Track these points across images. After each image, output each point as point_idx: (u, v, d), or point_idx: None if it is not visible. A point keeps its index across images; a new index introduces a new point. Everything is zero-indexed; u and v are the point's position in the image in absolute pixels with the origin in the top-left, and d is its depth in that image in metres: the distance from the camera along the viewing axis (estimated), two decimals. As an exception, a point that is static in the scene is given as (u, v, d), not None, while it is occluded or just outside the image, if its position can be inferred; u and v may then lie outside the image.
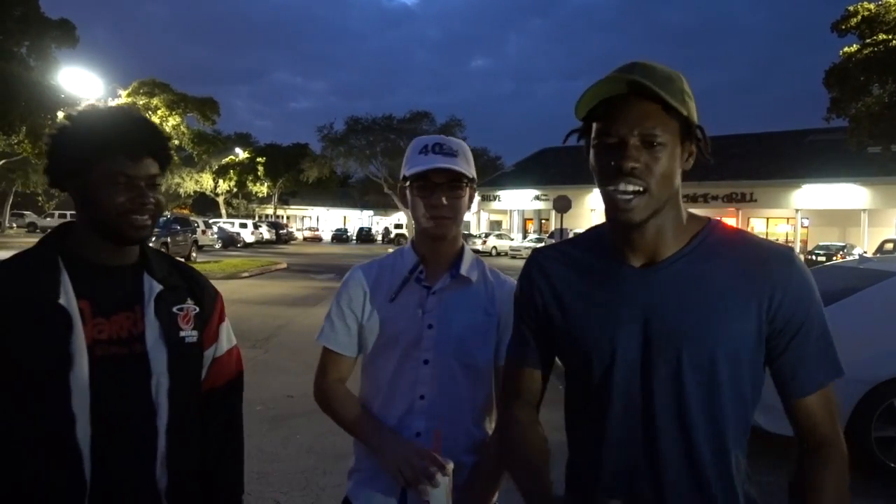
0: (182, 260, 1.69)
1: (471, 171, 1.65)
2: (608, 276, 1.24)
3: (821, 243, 33.59)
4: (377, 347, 1.68)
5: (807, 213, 39.28)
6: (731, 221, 39.89)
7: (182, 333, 1.46)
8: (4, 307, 1.30)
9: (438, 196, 1.60)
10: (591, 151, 1.19)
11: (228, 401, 1.65)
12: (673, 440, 1.20)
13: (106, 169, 1.34)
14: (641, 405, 1.21)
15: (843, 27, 24.95)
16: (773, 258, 1.20)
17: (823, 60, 26.60)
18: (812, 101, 34.32)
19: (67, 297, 1.33)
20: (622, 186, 1.12)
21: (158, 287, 1.44)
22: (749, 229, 43.45)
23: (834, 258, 28.15)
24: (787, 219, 40.92)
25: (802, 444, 1.24)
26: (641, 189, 1.12)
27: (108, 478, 1.33)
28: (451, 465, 1.46)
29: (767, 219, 42.65)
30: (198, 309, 1.52)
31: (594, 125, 1.18)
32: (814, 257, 30.74)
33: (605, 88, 1.12)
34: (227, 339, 1.63)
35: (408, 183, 1.64)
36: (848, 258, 24.57)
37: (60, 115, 24.78)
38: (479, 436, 1.70)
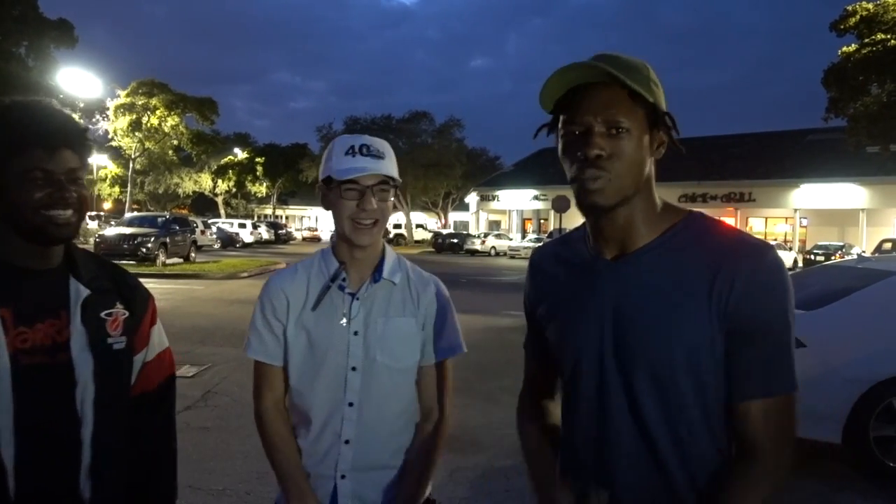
0: (115, 262, 1.62)
1: (396, 173, 1.60)
2: (584, 269, 1.25)
3: (819, 243, 33.61)
4: (303, 355, 1.64)
5: (805, 213, 39.31)
6: (729, 221, 39.79)
7: (110, 340, 1.41)
8: None
9: (369, 199, 1.55)
10: (560, 142, 1.19)
11: (161, 405, 1.59)
12: (630, 440, 1.19)
13: (20, 164, 1.26)
14: (597, 403, 1.22)
15: (842, 27, 24.99)
16: (743, 250, 1.14)
17: (822, 60, 26.65)
18: (811, 101, 34.41)
19: None
20: (589, 174, 1.12)
21: (85, 292, 1.37)
22: (748, 229, 43.41)
23: (832, 258, 28.17)
24: (786, 218, 40.95)
25: (735, 450, 1.18)
26: (608, 175, 1.12)
27: (32, 491, 1.28)
28: None
29: (766, 218, 42.67)
30: (127, 314, 1.46)
31: (561, 117, 1.18)
32: (812, 257, 30.76)
33: (568, 76, 1.13)
34: (158, 342, 1.58)
35: (331, 184, 1.57)
36: (846, 258, 24.59)
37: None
38: (405, 436, 1.71)
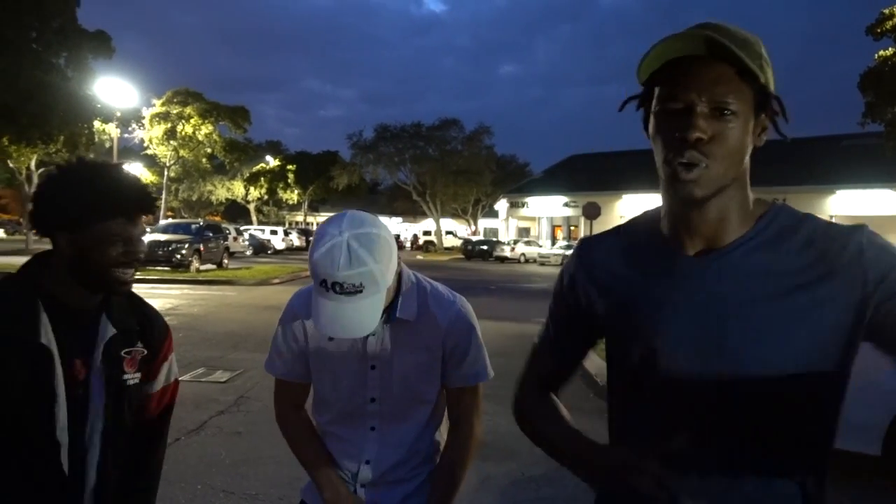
0: (143, 298, 1.71)
1: (381, 292, 1.44)
2: (659, 265, 1.12)
3: (857, 250, 32.93)
4: (323, 381, 1.67)
5: (841, 219, 38.44)
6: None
7: (125, 376, 1.53)
8: None
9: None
10: (652, 119, 1.06)
11: (156, 433, 1.71)
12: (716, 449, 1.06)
13: (103, 229, 1.40)
14: (685, 400, 1.08)
15: (879, 30, 24.51)
16: (846, 229, 1.06)
17: (858, 64, 26.17)
18: (846, 106, 33.72)
19: (48, 338, 1.41)
20: (685, 158, 0.99)
21: (112, 331, 1.50)
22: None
23: (870, 265, 27.56)
24: (822, 225, 40.19)
25: None
26: (706, 163, 1.00)
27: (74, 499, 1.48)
28: None
29: (801, 225, 41.93)
30: (146, 352, 1.59)
31: (656, 90, 1.05)
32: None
33: (675, 46, 1.00)
34: (165, 377, 1.69)
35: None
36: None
37: (97, 124, 25.34)
38: (427, 450, 1.73)
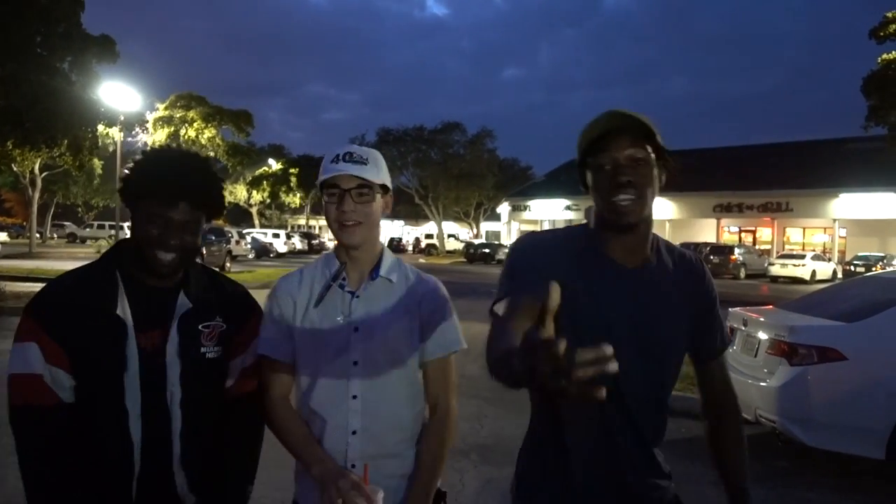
0: (230, 278, 1.84)
1: (380, 178, 1.71)
2: (605, 274, 1.49)
3: (859, 254, 32.89)
4: (308, 351, 1.72)
5: (845, 223, 38.45)
6: (766, 231, 39.08)
7: (203, 349, 1.61)
8: (72, 312, 1.50)
9: (348, 201, 1.66)
10: (591, 176, 1.47)
11: (250, 406, 1.74)
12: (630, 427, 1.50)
13: (145, 208, 1.52)
14: (619, 391, 1.44)
15: (882, 34, 24.48)
16: (692, 259, 1.61)
17: (862, 68, 26.16)
18: (850, 109, 33.71)
19: (123, 309, 1.53)
20: (621, 197, 1.41)
21: (188, 305, 1.60)
22: (785, 239, 42.57)
23: (873, 269, 27.52)
24: (825, 228, 40.12)
25: (714, 407, 1.68)
26: (634, 198, 1.41)
27: (148, 470, 1.54)
28: (380, 495, 1.56)
29: (804, 229, 41.87)
30: (224, 326, 1.66)
31: (591, 159, 1.45)
32: (852, 268, 30.11)
33: (602, 124, 1.42)
34: (253, 353, 1.73)
35: (320, 191, 1.73)
36: (888, 269, 24.01)
37: (101, 128, 25.40)
38: (412, 428, 1.79)
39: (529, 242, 1.58)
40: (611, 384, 1.27)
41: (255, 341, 1.73)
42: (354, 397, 1.69)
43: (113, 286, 1.55)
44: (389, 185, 1.76)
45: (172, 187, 1.52)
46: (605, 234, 1.50)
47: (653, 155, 1.44)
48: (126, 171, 1.58)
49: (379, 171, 1.72)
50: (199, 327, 1.62)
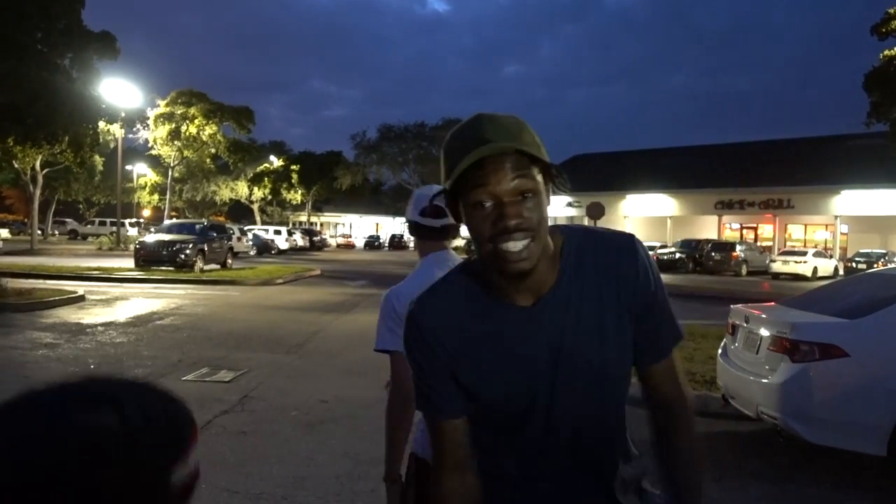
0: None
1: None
2: (502, 321, 1.27)
3: (861, 250, 32.84)
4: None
5: (846, 220, 38.41)
6: (768, 228, 38.97)
7: None
8: None
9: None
10: (465, 213, 1.19)
11: None
12: (572, 449, 1.32)
13: None
14: (542, 444, 1.31)
15: (884, 30, 24.41)
16: (620, 254, 1.29)
17: (863, 64, 26.06)
18: (852, 106, 33.62)
19: None
20: (511, 245, 1.14)
21: None
22: (787, 236, 42.42)
23: (875, 266, 27.49)
24: (826, 225, 40.09)
25: (651, 404, 1.38)
26: (528, 241, 1.15)
27: None
28: None
29: (806, 225, 41.84)
30: None
31: (463, 189, 1.17)
32: (854, 265, 30.07)
33: (473, 154, 1.12)
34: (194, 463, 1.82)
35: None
36: (889, 265, 23.98)
37: (102, 124, 25.37)
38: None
39: (421, 317, 1.31)
40: (545, 432, 1.30)
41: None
42: None
43: None
44: None
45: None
46: (494, 276, 1.25)
47: (540, 177, 1.18)
48: None
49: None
50: None
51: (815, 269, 29.74)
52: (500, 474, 1.35)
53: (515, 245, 1.14)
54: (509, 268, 1.17)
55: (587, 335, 1.25)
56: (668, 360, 1.34)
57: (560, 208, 48.22)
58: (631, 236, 1.32)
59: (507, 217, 1.14)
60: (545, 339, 1.25)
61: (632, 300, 1.28)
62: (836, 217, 38.26)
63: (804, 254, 31.29)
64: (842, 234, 38.89)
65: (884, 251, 32.40)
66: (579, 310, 1.26)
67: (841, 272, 30.59)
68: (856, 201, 36.80)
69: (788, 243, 40.50)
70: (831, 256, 33.53)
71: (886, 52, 24.17)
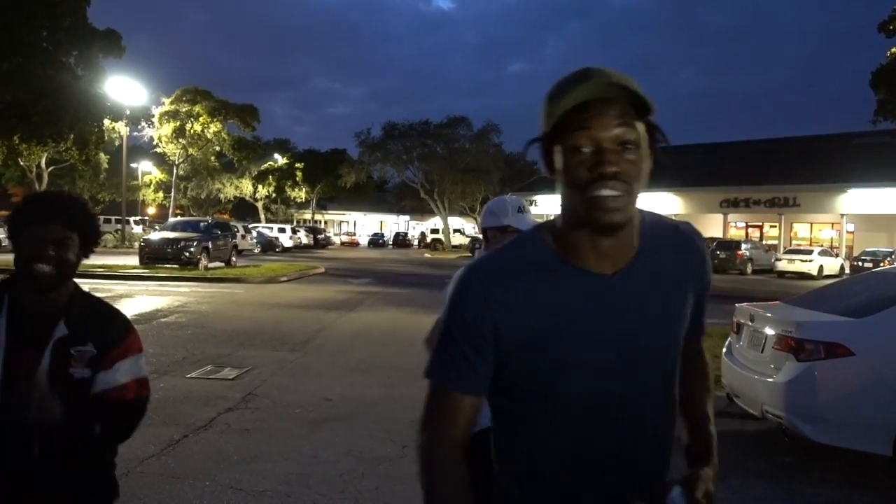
0: (112, 306, 2.01)
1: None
2: (577, 287, 1.19)
3: (867, 249, 32.73)
4: None
5: (853, 218, 38.27)
6: (773, 227, 38.78)
7: (72, 370, 1.79)
8: None
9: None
10: (562, 159, 1.14)
11: (112, 419, 1.87)
12: (642, 434, 1.26)
13: (28, 232, 1.76)
14: (616, 412, 1.23)
15: (891, 27, 24.28)
16: (692, 240, 1.34)
17: (870, 62, 25.94)
18: (858, 104, 33.45)
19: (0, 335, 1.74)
20: (605, 192, 1.10)
21: (63, 332, 1.79)
22: (792, 235, 42.30)
23: (881, 264, 27.37)
24: (832, 224, 39.95)
25: (687, 370, 1.37)
26: (623, 193, 1.11)
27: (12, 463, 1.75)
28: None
29: (811, 224, 41.72)
30: (95, 352, 1.83)
31: (562, 133, 1.13)
32: (860, 263, 29.96)
33: (579, 92, 1.09)
34: (123, 373, 1.87)
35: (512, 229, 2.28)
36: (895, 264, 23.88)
37: (107, 122, 25.45)
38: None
39: (479, 281, 1.22)
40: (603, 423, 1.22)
41: (119, 365, 1.85)
42: None
43: None
44: None
45: (47, 210, 1.78)
46: (577, 235, 1.18)
47: (643, 134, 1.15)
48: (10, 214, 1.81)
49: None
50: (72, 351, 1.80)
51: (821, 268, 29.65)
52: (534, 471, 1.26)
53: (610, 192, 1.10)
54: (602, 218, 1.11)
55: (665, 311, 1.25)
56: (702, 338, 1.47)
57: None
58: (691, 226, 1.38)
59: (607, 163, 1.10)
60: (625, 310, 1.20)
61: (698, 285, 1.32)
62: (842, 215, 38.11)
63: (810, 252, 31.19)
64: (848, 232, 38.75)
65: (890, 250, 32.27)
66: (660, 285, 1.23)
67: (847, 271, 30.49)
68: (862, 200, 36.64)
69: (794, 242, 40.35)
70: (837, 255, 33.42)
71: (893, 50, 24.05)
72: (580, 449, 1.23)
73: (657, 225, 1.29)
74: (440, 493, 1.23)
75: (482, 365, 1.21)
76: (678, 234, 1.32)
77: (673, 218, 1.38)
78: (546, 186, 52.73)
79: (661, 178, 44.23)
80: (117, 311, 1.99)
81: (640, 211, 1.24)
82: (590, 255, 1.19)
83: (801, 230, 42.31)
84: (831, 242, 38.97)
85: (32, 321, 1.79)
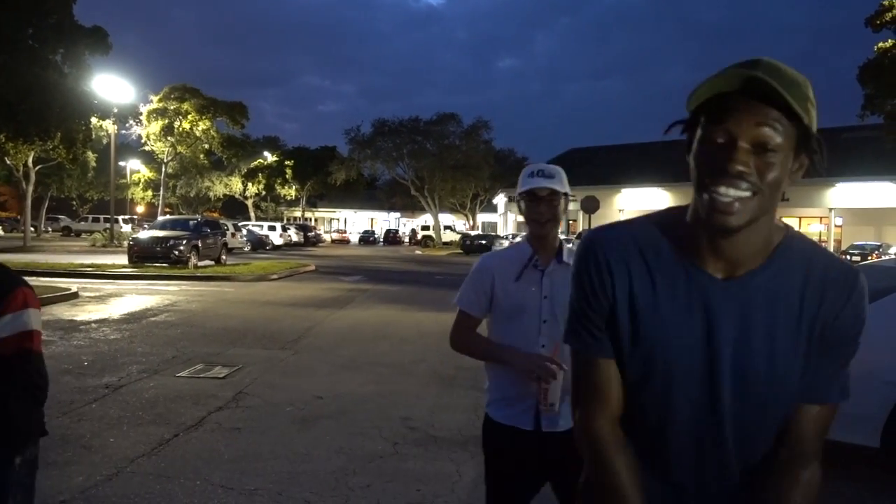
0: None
1: (564, 188, 2.34)
2: (685, 284, 1.17)
3: (855, 243, 32.94)
4: (507, 312, 2.36)
5: (841, 212, 38.53)
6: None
7: None
8: None
9: (541, 205, 2.31)
10: (696, 147, 1.11)
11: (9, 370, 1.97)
12: (726, 454, 1.22)
13: None
14: (706, 422, 1.20)
15: (878, 22, 24.46)
16: (843, 279, 1.18)
17: (857, 56, 26.15)
18: (846, 99, 33.66)
19: None
20: (724, 190, 1.04)
21: None
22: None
23: (869, 258, 27.59)
24: (821, 218, 40.21)
25: (785, 451, 1.23)
26: (747, 195, 1.05)
27: None
28: (565, 367, 2.11)
29: (800, 218, 41.93)
30: None
31: (702, 120, 1.09)
32: (848, 257, 30.17)
33: (723, 82, 1.04)
34: (10, 327, 1.96)
35: (520, 197, 2.36)
36: (884, 258, 24.06)
37: (94, 120, 25.25)
38: None
39: (602, 247, 1.23)
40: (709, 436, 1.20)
41: (11, 315, 1.95)
42: (542, 346, 2.30)
43: None
44: (568, 192, 2.39)
45: None
46: (697, 231, 1.15)
47: (791, 140, 1.06)
48: None
49: (563, 183, 2.34)
50: None
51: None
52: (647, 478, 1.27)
53: (729, 192, 1.04)
54: (716, 219, 1.06)
55: (768, 334, 1.15)
56: (822, 410, 1.21)
57: (555, 202, 48.25)
58: (857, 271, 1.20)
59: (734, 161, 1.03)
60: (731, 319, 1.14)
61: (827, 330, 1.17)
62: (830, 210, 38.36)
63: (798, 246, 31.32)
64: (836, 226, 39.00)
65: (878, 243, 32.51)
66: (773, 306, 1.14)
67: (835, 264, 30.67)
68: (850, 194, 36.90)
69: (783, 236, 40.57)
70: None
71: (881, 45, 24.23)
72: (659, 434, 1.24)
73: (809, 250, 1.20)
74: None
75: (605, 329, 1.24)
76: (831, 268, 1.18)
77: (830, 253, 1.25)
78: (536, 182, 52.77)
79: (652, 174, 44.44)
80: (6, 270, 2.07)
81: (794, 233, 1.21)
82: (706, 254, 1.15)
83: (790, 224, 42.53)
84: (820, 236, 39.20)
85: None
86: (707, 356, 1.16)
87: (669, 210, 1.25)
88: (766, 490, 1.22)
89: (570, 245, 2.41)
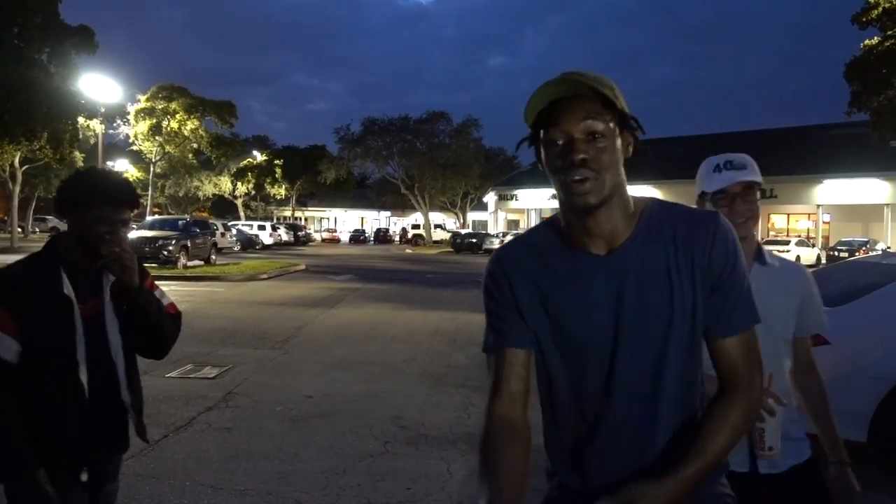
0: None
1: (759, 177, 2.08)
2: (575, 266, 1.35)
3: (843, 239, 33.19)
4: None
5: (828, 209, 38.77)
6: (751, 218, 39.21)
7: (125, 306, 2.12)
8: (24, 291, 1.99)
9: (736, 203, 2.04)
10: (543, 152, 1.31)
11: (174, 324, 2.42)
12: (635, 420, 1.33)
13: (95, 213, 2.01)
14: (602, 391, 1.34)
15: (864, 19, 24.62)
16: (705, 222, 1.34)
17: (844, 54, 26.32)
18: (833, 95, 33.95)
19: (67, 288, 2.01)
20: (576, 175, 1.24)
21: (111, 279, 2.08)
22: (769, 226, 42.69)
23: (857, 254, 27.79)
24: (809, 214, 40.46)
25: (720, 382, 1.35)
26: (594, 175, 1.25)
27: (96, 398, 2.06)
28: (785, 401, 1.95)
29: (788, 215, 42.22)
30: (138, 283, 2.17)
31: (542, 131, 1.31)
32: (836, 253, 30.39)
33: (546, 93, 1.26)
34: (161, 294, 2.31)
35: (708, 198, 2.09)
36: (871, 254, 24.24)
37: (81, 120, 25.10)
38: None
39: (497, 260, 1.43)
40: (600, 383, 1.34)
41: (158, 291, 2.27)
42: None
43: (57, 272, 2.03)
44: (762, 181, 2.12)
45: (117, 195, 2.06)
46: (569, 218, 1.34)
47: (613, 125, 1.27)
48: (64, 187, 2.06)
49: (756, 172, 2.08)
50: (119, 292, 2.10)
51: (798, 258, 29.99)
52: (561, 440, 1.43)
53: (580, 177, 1.25)
54: (576, 201, 1.27)
55: (651, 293, 1.30)
56: (739, 338, 1.33)
57: (545, 200, 48.38)
58: (715, 213, 1.38)
59: (575, 151, 1.24)
60: (612, 288, 1.31)
61: (705, 269, 1.31)
62: (818, 206, 38.60)
63: (787, 243, 31.55)
64: (824, 222, 39.26)
65: (865, 239, 32.75)
66: (647, 268, 1.31)
67: (823, 261, 30.91)
68: (838, 190, 37.14)
69: (771, 233, 40.83)
70: (814, 245, 33.85)
71: (867, 42, 24.40)
72: (571, 406, 1.38)
73: (663, 213, 1.36)
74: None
75: (517, 321, 1.39)
76: (686, 221, 1.34)
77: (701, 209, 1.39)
78: (526, 180, 53.16)
79: (641, 171, 44.56)
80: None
81: (650, 202, 1.38)
82: (584, 236, 1.33)
83: (778, 221, 42.79)
84: (808, 233, 39.48)
85: (83, 276, 2.06)
86: (612, 321, 1.31)
87: (553, 216, 1.45)
88: (701, 421, 1.34)
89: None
